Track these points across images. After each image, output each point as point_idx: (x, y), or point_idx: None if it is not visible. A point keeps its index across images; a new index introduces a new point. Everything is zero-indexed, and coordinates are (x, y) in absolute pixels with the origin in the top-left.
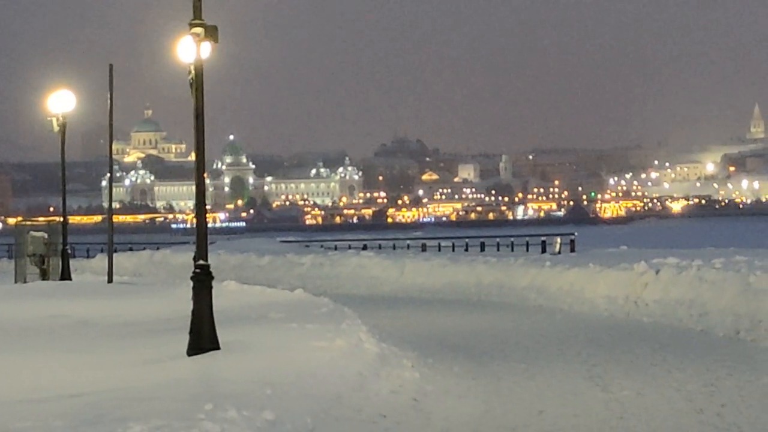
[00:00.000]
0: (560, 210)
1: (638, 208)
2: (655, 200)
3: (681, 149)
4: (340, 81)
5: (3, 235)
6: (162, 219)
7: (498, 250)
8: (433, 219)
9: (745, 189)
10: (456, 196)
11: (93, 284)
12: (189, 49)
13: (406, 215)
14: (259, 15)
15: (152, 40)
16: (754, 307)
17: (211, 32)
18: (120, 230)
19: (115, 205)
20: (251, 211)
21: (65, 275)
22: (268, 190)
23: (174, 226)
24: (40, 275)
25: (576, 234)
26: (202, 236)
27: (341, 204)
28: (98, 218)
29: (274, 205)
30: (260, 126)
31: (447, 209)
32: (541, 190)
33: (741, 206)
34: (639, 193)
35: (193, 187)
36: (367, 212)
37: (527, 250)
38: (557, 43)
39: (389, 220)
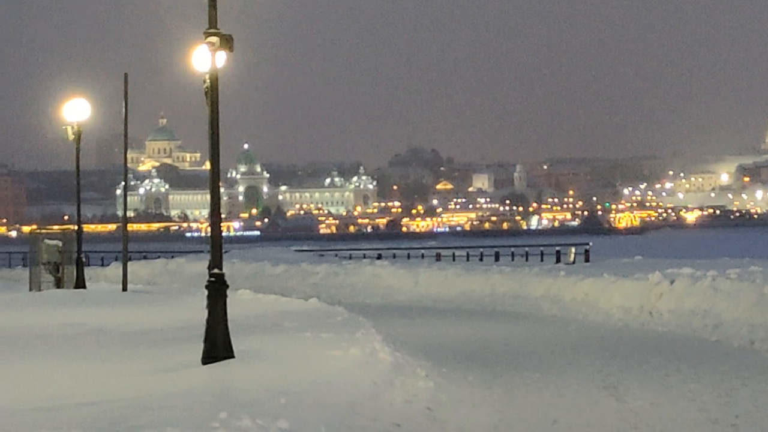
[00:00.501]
0: (575, 220)
1: (653, 219)
2: (669, 210)
3: (695, 159)
4: (355, 90)
5: (18, 243)
6: (176, 228)
7: (512, 259)
8: (447, 228)
9: (760, 199)
10: (470, 206)
11: (107, 292)
12: (204, 58)
13: (421, 225)
14: (274, 24)
15: (167, 49)
16: None
17: (227, 41)
18: (134, 239)
19: (130, 213)
20: (266, 220)
21: (80, 283)
22: (283, 199)
23: (188, 234)
24: (54, 283)
25: (590, 244)
26: (216, 245)
27: (356, 213)
28: (113, 227)
29: (288, 214)
30: (275, 135)
31: (461, 219)
32: (556, 200)
33: (756, 216)
34: (653, 204)
35: (208, 196)
36: (382, 222)
37: (542, 260)
38: (572, 53)
39: (404, 229)
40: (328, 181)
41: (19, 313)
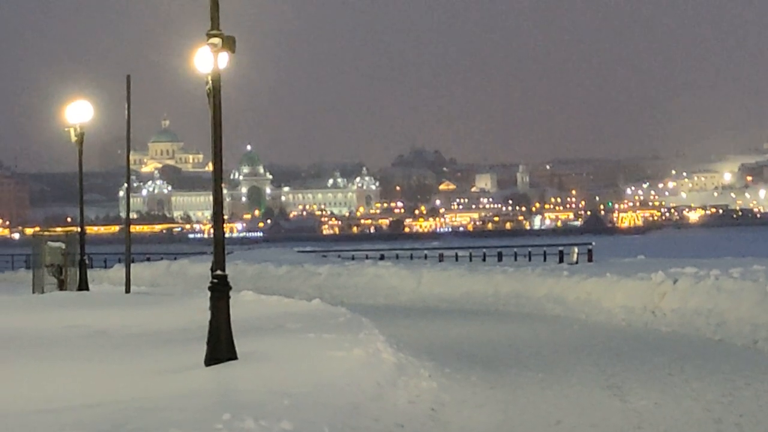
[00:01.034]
0: (577, 220)
1: (655, 218)
2: (672, 210)
3: (698, 159)
4: (358, 91)
5: (21, 245)
6: (179, 229)
7: (515, 260)
8: (450, 229)
9: (763, 199)
10: (473, 206)
11: (110, 294)
12: (206, 60)
13: (424, 225)
14: (277, 25)
15: (170, 51)
16: None
17: (229, 43)
18: (137, 240)
19: (133, 215)
20: (268, 221)
21: (83, 285)
22: (286, 200)
23: (191, 236)
24: (57, 285)
25: (593, 244)
26: (219, 246)
27: (358, 214)
28: (115, 228)
29: (291, 215)
30: (277, 136)
31: (464, 219)
32: (559, 200)
33: (758, 216)
34: (656, 203)
35: (211, 198)
36: (384, 222)
37: (544, 260)
38: (575, 53)
39: (406, 230)
40: (330, 182)
41: (22, 315)
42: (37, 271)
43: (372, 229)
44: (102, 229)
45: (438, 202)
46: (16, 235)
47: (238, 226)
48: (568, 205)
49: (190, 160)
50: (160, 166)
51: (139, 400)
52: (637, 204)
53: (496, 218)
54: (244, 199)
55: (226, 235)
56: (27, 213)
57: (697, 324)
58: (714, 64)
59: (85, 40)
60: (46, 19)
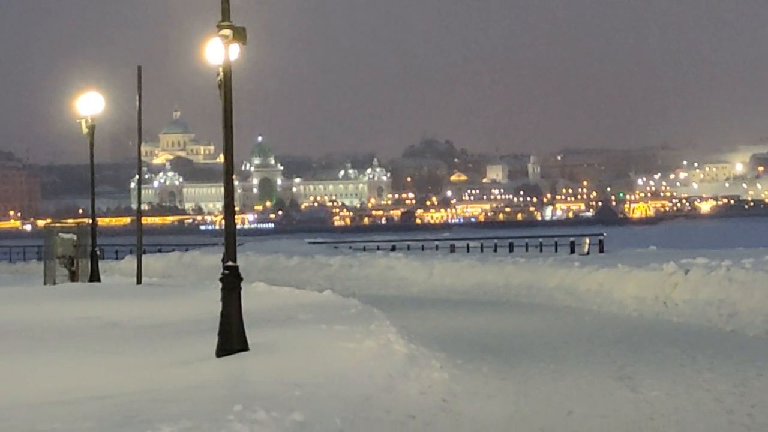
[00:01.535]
0: (589, 210)
1: (667, 209)
2: (683, 200)
3: (710, 149)
4: (369, 82)
5: (32, 237)
6: (190, 220)
7: (527, 250)
8: (461, 220)
9: None
10: (484, 197)
11: (122, 286)
12: (217, 51)
13: (435, 216)
14: (288, 16)
15: (181, 42)
16: None
17: (240, 34)
18: (149, 232)
19: (144, 206)
20: (280, 212)
21: (94, 277)
22: (297, 191)
23: (202, 227)
24: (69, 277)
25: (605, 234)
26: (230, 238)
27: (369, 205)
28: (127, 220)
29: (302, 207)
30: (288, 127)
31: (475, 210)
32: (570, 190)
33: None
34: (668, 194)
35: (222, 189)
36: (396, 213)
37: (556, 250)
38: (586, 43)
39: (417, 221)
40: (342, 173)
41: (34, 306)
42: (49, 262)
43: (383, 220)
44: (113, 221)
45: (449, 192)
46: (28, 227)
47: (250, 217)
48: (579, 196)
49: (202, 152)
50: (171, 157)
51: (150, 391)
52: (649, 194)
53: (508, 209)
54: (255, 190)
55: (238, 227)
56: (39, 205)
57: (708, 314)
58: (725, 53)
59: (96, 31)
60: (57, 10)
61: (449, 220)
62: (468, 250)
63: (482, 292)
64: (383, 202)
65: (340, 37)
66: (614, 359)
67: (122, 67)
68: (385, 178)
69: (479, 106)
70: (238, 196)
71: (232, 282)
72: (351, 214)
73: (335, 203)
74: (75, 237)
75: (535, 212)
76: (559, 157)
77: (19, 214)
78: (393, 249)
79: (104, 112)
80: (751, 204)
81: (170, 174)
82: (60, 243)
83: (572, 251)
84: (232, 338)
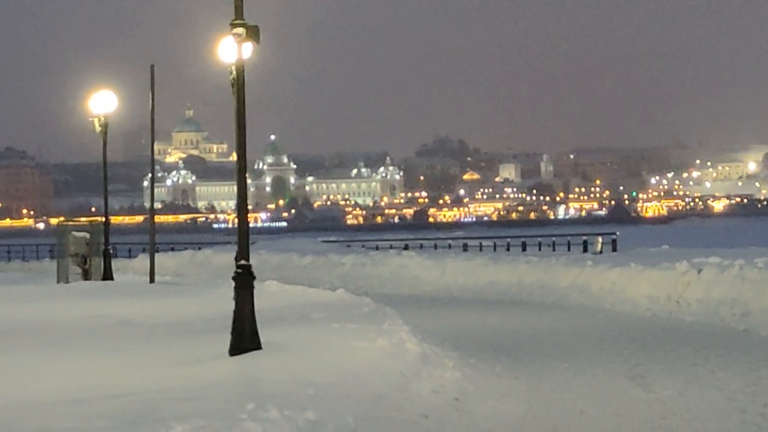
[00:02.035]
0: (602, 209)
1: (680, 208)
2: (696, 199)
3: (722, 148)
4: (382, 80)
5: (45, 235)
6: (203, 219)
7: (539, 249)
8: (474, 219)
9: None
10: (497, 196)
11: (135, 284)
12: (230, 50)
13: (447, 215)
14: (300, 15)
15: (193, 41)
16: None
17: (253, 32)
18: (161, 230)
19: (157, 205)
20: (292, 211)
21: (107, 275)
22: (309, 190)
23: (215, 226)
24: (82, 275)
25: (617, 233)
26: (243, 236)
27: (382, 204)
28: (140, 218)
29: (315, 205)
30: (301, 126)
31: (488, 209)
32: (583, 189)
33: None
34: (680, 193)
35: (235, 187)
36: (408, 212)
37: (569, 249)
38: (598, 42)
39: (430, 219)
40: (354, 171)
41: (47, 304)
42: (62, 260)
43: (396, 219)
44: (126, 219)
45: (462, 191)
46: (41, 225)
47: (262, 215)
48: (592, 195)
49: (214, 150)
50: (184, 156)
51: (163, 390)
52: (662, 193)
53: (520, 208)
54: (268, 188)
55: (250, 225)
56: (51, 203)
57: (721, 314)
58: (739, 52)
59: (109, 30)
60: (70, 9)
61: (462, 219)
62: (481, 249)
63: (495, 291)
64: (396, 201)
65: (354, 36)
66: (627, 358)
67: (135, 65)
68: (397, 177)
69: (492, 105)
70: (251, 194)
71: (245, 280)
72: (364, 212)
73: (348, 202)
74: (88, 235)
75: (548, 211)
76: (571, 156)
77: (32, 213)
78: (406, 248)
79: (117, 111)
80: (764, 203)
81: (183, 172)
82: (73, 241)
83: (585, 250)
84: (244, 337)
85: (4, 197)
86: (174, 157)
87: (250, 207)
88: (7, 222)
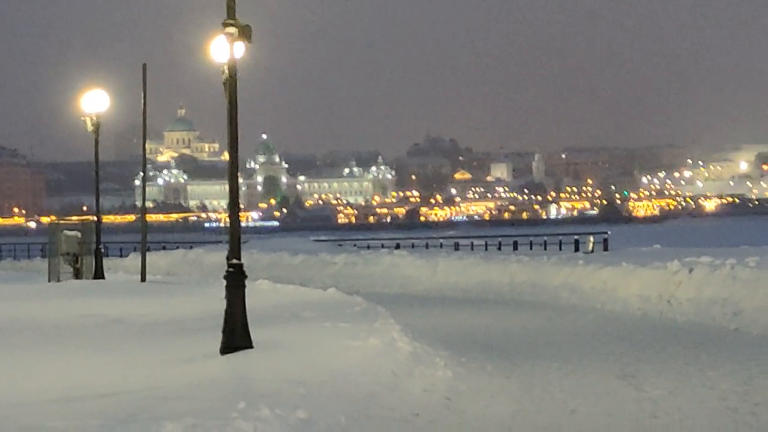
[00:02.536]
0: (593, 209)
1: (671, 207)
2: (688, 199)
3: (714, 148)
4: (373, 80)
5: (37, 234)
6: (195, 218)
7: (531, 249)
8: (465, 218)
9: None
10: (489, 195)
11: (126, 283)
12: (222, 49)
13: (439, 214)
14: (292, 14)
15: (186, 40)
16: None
17: (245, 32)
18: (153, 229)
19: (149, 204)
20: (284, 210)
21: (98, 274)
22: (301, 189)
23: (207, 225)
24: (73, 274)
25: (609, 233)
26: (235, 235)
27: (374, 203)
28: (131, 217)
29: (306, 204)
30: (293, 125)
31: (480, 208)
32: (574, 189)
33: None
34: (672, 192)
35: (226, 187)
36: (400, 211)
37: (560, 249)
38: (589, 41)
39: (422, 219)
40: (346, 170)
41: (38, 303)
42: (53, 259)
43: (388, 219)
44: (118, 218)
45: (453, 191)
46: (33, 224)
47: (254, 215)
48: (583, 194)
49: (206, 149)
50: (175, 155)
51: (154, 388)
52: (653, 193)
53: (512, 207)
54: (259, 188)
55: (242, 224)
56: (43, 202)
57: (712, 313)
58: (731, 52)
59: (101, 29)
60: (63, 8)
61: (453, 219)
62: (472, 249)
63: (486, 291)
64: (388, 200)
65: (345, 36)
66: (618, 357)
67: (127, 64)
68: (389, 176)
69: (484, 105)
70: (243, 193)
71: (236, 279)
72: (355, 212)
73: (340, 201)
74: (79, 234)
75: (540, 210)
76: (563, 156)
77: (23, 211)
78: (397, 247)
79: (109, 110)
80: (756, 202)
81: (175, 171)
82: (64, 240)
83: (576, 249)
84: (236, 336)
85: None
86: (166, 156)
87: (241, 206)
88: None
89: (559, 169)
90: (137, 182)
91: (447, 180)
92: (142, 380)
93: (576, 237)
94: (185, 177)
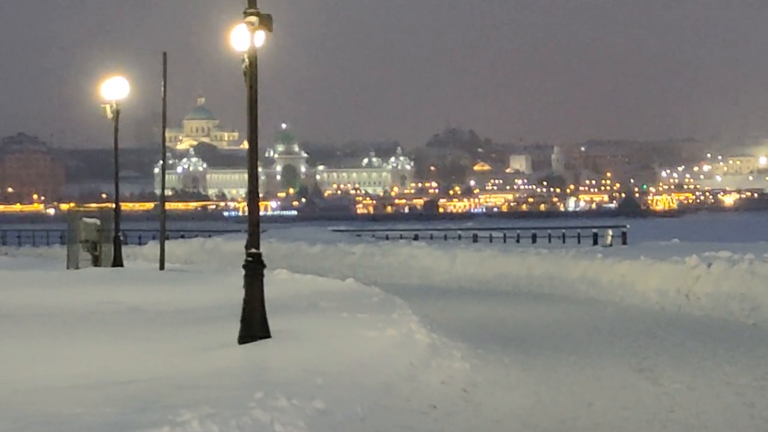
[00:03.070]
0: (612, 202)
1: (690, 201)
2: (707, 193)
3: (734, 142)
4: (394, 70)
5: (56, 221)
6: (214, 207)
7: (549, 241)
8: (484, 210)
9: None
10: (507, 187)
11: (145, 271)
12: (243, 38)
13: (458, 206)
14: (313, 3)
15: (206, 29)
16: None
17: (266, 21)
18: (172, 217)
19: (168, 192)
20: (303, 199)
21: (117, 262)
22: (320, 179)
23: (226, 213)
24: (92, 261)
25: (628, 226)
26: (254, 224)
27: (393, 194)
28: (150, 205)
29: (325, 194)
30: (313, 115)
31: (498, 200)
32: (593, 182)
33: None
34: (691, 186)
35: (245, 175)
36: (419, 202)
37: (579, 242)
38: (610, 34)
39: (440, 210)
40: (365, 161)
41: (57, 290)
42: (72, 247)
43: (406, 209)
44: (137, 206)
45: (472, 182)
46: (52, 211)
47: (273, 204)
48: (602, 187)
49: (226, 138)
50: (195, 143)
51: (172, 377)
52: (672, 187)
53: (531, 199)
54: (278, 177)
55: (261, 214)
56: (62, 189)
57: (730, 308)
58: (752, 46)
59: (122, 17)
60: None
61: (472, 210)
62: (491, 240)
63: (504, 283)
64: (406, 191)
65: (367, 26)
66: (635, 351)
67: (147, 52)
68: (408, 167)
69: (503, 96)
70: (262, 182)
71: (255, 269)
72: (374, 202)
73: (358, 191)
74: (98, 222)
75: (558, 203)
76: (582, 148)
77: (42, 198)
78: (416, 238)
79: (129, 98)
80: None
81: (194, 160)
82: (83, 227)
83: (595, 243)
84: (254, 325)
85: (15, 182)
86: (185, 144)
87: (260, 195)
88: (18, 207)
89: (578, 161)
90: (156, 170)
91: (466, 171)
92: (159, 368)
93: (594, 230)
94: (204, 165)
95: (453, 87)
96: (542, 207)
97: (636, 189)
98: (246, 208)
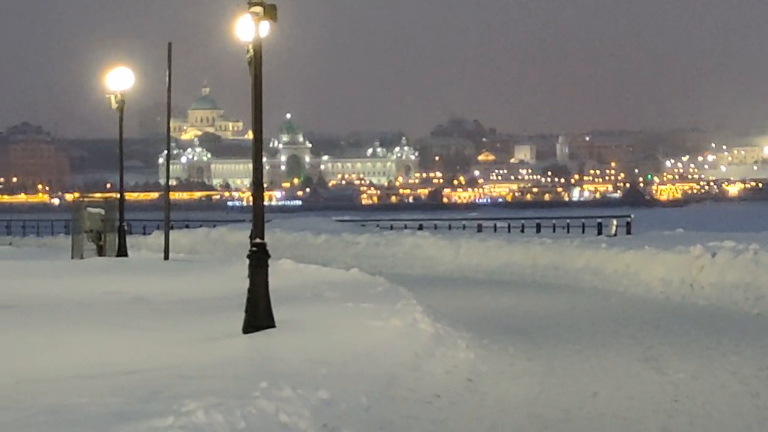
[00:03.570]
0: (616, 192)
1: (695, 191)
2: (711, 183)
3: (738, 132)
4: (398, 60)
5: (61, 211)
6: (218, 197)
7: (554, 231)
8: (488, 200)
9: None
10: (512, 177)
11: (149, 261)
12: (248, 28)
13: (462, 196)
14: None
15: (211, 19)
16: None
17: (270, 11)
18: (176, 207)
19: (172, 182)
20: (307, 189)
21: (122, 252)
22: (325, 169)
23: (230, 203)
24: (96, 251)
25: (632, 216)
26: (258, 215)
27: (397, 184)
28: (155, 195)
29: (330, 184)
30: (317, 105)
31: (503, 190)
32: (598, 171)
33: None
34: (696, 176)
35: (250, 165)
36: (423, 192)
37: (583, 231)
38: (615, 24)
39: (445, 200)
40: (370, 151)
41: (61, 280)
42: (77, 236)
43: (411, 199)
44: (141, 196)
45: (477, 172)
46: (56, 201)
47: (277, 194)
48: (607, 177)
49: (230, 128)
50: (200, 133)
51: (177, 367)
52: (676, 177)
53: (535, 189)
54: (283, 167)
55: (265, 204)
56: (67, 179)
57: (735, 298)
58: (756, 35)
59: (126, 6)
60: None
61: (476, 200)
62: (495, 230)
63: (509, 273)
64: (411, 181)
65: (371, 16)
66: (640, 341)
67: (152, 42)
68: (413, 157)
69: (508, 86)
70: (266, 172)
71: (259, 259)
72: (378, 192)
73: (363, 181)
74: (103, 211)
75: (563, 193)
76: (587, 138)
77: (47, 188)
78: (420, 228)
79: (133, 88)
80: None
81: (198, 150)
82: (88, 217)
83: (599, 233)
84: (258, 315)
85: (20, 172)
86: (190, 134)
87: (265, 185)
88: (23, 197)
89: (583, 151)
90: (161, 160)
91: (470, 161)
92: (164, 358)
93: (599, 220)
94: (209, 155)
95: (457, 77)
96: (546, 197)
97: (640, 179)
98: (250, 198)
